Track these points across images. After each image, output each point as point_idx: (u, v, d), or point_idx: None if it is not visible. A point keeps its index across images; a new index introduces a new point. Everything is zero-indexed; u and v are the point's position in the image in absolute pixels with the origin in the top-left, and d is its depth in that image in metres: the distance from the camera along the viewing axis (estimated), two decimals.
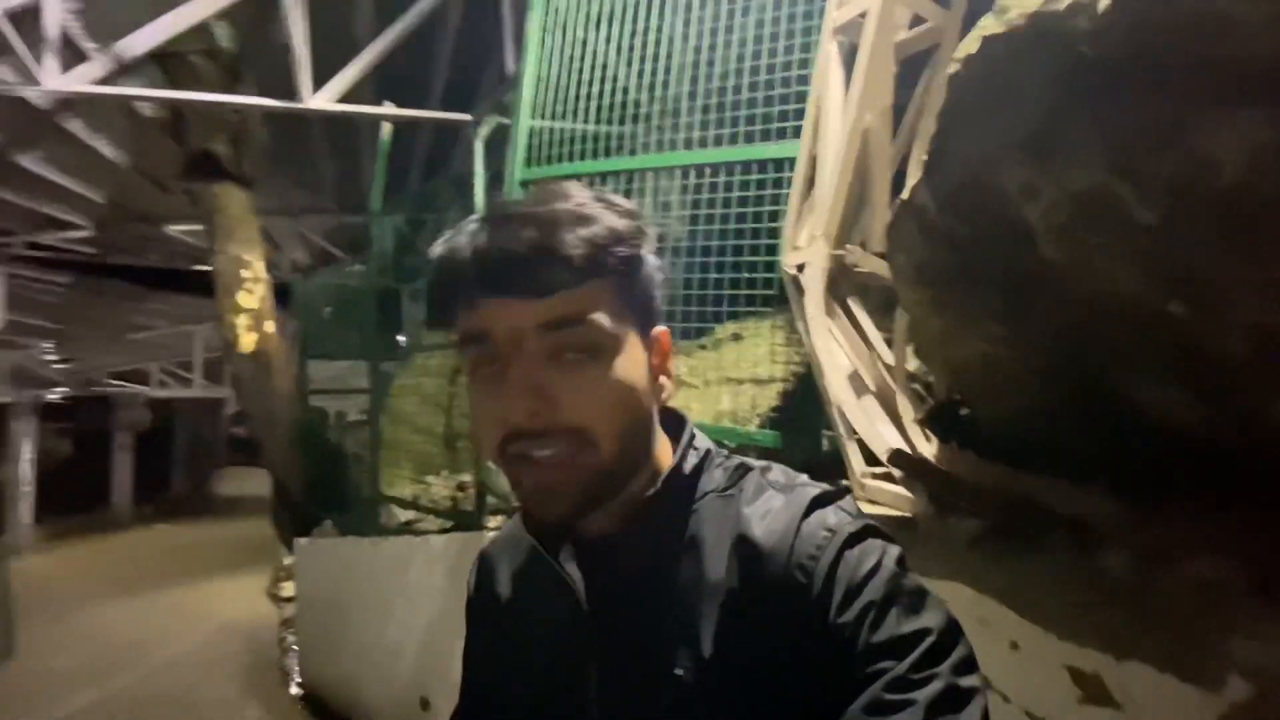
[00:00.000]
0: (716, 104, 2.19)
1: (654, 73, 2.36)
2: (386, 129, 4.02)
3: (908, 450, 1.32)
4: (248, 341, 4.92)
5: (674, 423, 0.56)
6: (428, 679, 3.29)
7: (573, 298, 0.47)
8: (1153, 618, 0.87)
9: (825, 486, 0.52)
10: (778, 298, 1.98)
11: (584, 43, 2.51)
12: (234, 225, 4.63)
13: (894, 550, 0.48)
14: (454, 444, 4.44)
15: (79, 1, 3.55)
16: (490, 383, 0.48)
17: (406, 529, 4.00)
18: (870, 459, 1.53)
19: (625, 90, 2.46)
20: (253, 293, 4.86)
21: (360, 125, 4.49)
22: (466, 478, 3.63)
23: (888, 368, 1.61)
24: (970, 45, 0.94)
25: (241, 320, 4.86)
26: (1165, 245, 0.81)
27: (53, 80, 3.38)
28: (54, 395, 9.67)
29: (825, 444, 1.92)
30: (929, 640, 0.43)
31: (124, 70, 3.66)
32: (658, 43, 2.35)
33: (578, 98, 2.54)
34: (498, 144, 3.07)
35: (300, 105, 3.76)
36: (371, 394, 4.51)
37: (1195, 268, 0.79)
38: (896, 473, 1.35)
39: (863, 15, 1.59)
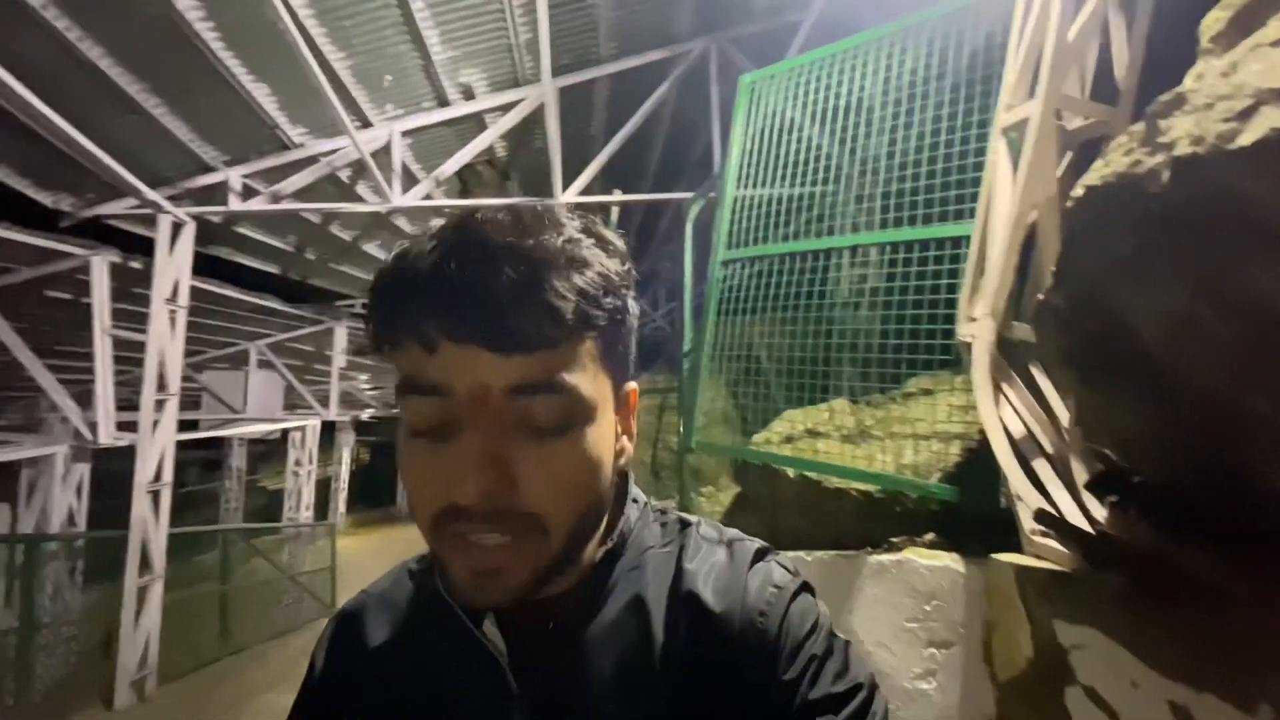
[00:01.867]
0: (897, 190, 2.47)
1: (846, 163, 2.73)
2: (615, 210, 4.87)
3: (1052, 511, 1.49)
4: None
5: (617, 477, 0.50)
6: None
7: (551, 357, 0.40)
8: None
9: (757, 541, 0.53)
10: (957, 361, 2.19)
11: (787, 129, 2.95)
12: None
13: (824, 607, 0.51)
14: (660, 473, 5.05)
15: (413, 138, 4.99)
16: (435, 446, 0.40)
17: None
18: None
19: (823, 179, 2.86)
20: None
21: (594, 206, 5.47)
22: (672, 503, 4.11)
23: (1065, 433, 1.75)
24: (1079, 189, 1.19)
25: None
26: (1243, 354, 0.99)
27: (397, 199, 4.81)
28: (365, 415, 12.60)
29: (1003, 501, 2.06)
30: (860, 696, 0.46)
31: (439, 184, 5.02)
32: (853, 137, 2.72)
33: (780, 178, 3.00)
34: (704, 226, 3.64)
35: (554, 201, 4.78)
36: None
37: (1269, 371, 0.97)
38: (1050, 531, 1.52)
39: (1025, 121, 1.81)
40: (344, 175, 5.00)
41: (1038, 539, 1.71)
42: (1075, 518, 1.56)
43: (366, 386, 11.95)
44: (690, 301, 3.78)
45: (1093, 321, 1.28)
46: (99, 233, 4.82)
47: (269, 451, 13.27)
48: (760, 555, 0.52)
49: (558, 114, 4.81)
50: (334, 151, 4.75)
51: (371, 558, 9.87)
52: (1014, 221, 1.76)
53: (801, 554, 2.49)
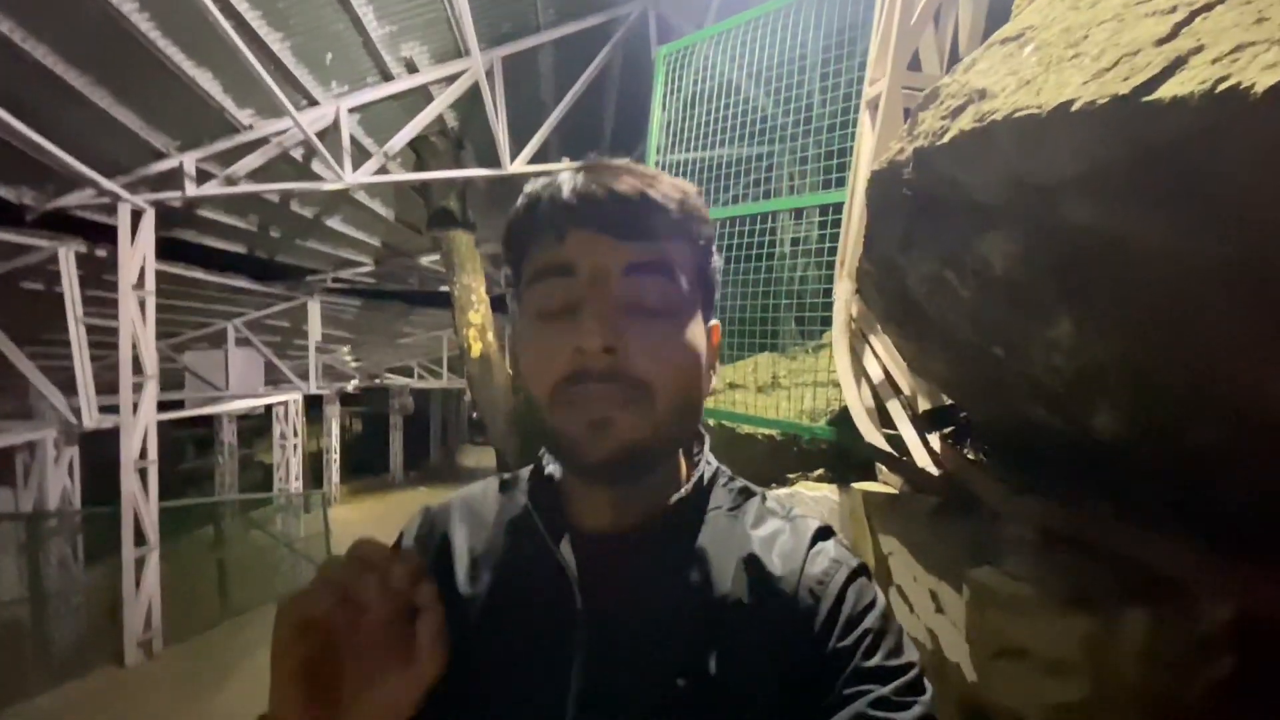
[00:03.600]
0: (797, 158, 2.65)
1: (752, 131, 2.89)
2: None
3: (880, 445, 1.76)
4: (476, 348, 6.36)
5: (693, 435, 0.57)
6: None
7: (661, 248, 0.47)
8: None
9: (819, 520, 0.56)
10: None
11: (701, 99, 3.09)
12: (464, 260, 6.03)
13: (879, 590, 0.53)
14: None
15: (360, 114, 5.06)
16: (561, 315, 0.47)
17: None
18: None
19: (734, 146, 3.02)
20: (479, 311, 6.27)
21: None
22: None
23: (914, 378, 2.00)
24: (869, 173, 1.40)
25: (471, 333, 6.28)
26: (981, 309, 1.23)
27: (349, 176, 4.91)
28: (350, 386, 12.84)
29: None
30: (912, 674, 0.48)
31: (390, 158, 5.11)
32: (755, 106, 2.87)
33: (695, 147, 3.16)
34: None
35: (503, 171, 4.90)
36: None
37: (1004, 326, 1.21)
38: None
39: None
40: (297, 154, 5.08)
41: (883, 469, 1.99)
42: (917, 449, 1.83)
43: (350, 359, 12.14)
44: None
45: (893, 284, 1.51)
46: (68, 224, 4.93)
47: (261, 426, 13.53)
48: (821, 534, 0.54)
49: (501, 84, 4.88)
50: (284, 131, 4.82)
51: (370, 524, 10.25)
52: (863, 189, 1.96)
53: None
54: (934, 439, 1.83)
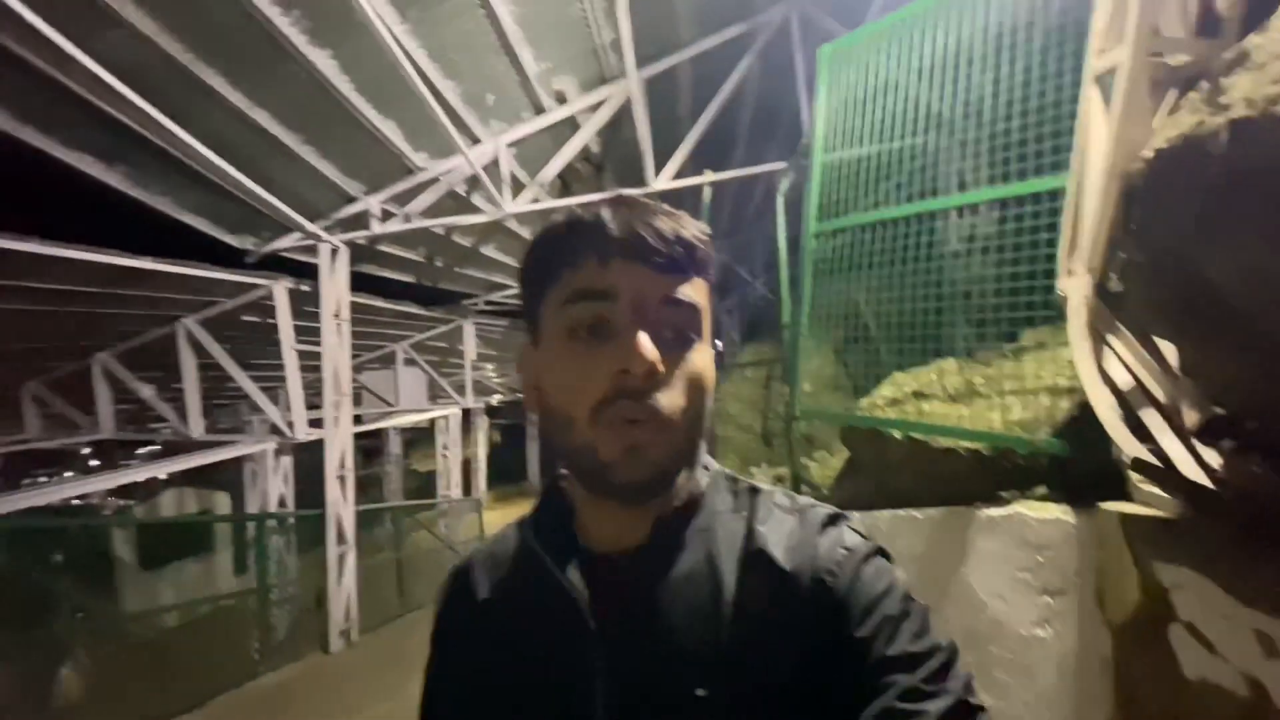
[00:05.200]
0: (991, 147, 2.44)
1: (936, 124, 2.72)
2: (707, 190, 5.01)
3: (1150, 460, 1.53)
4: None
5: None
6: None
7: (692, 284, 0.51)
8: None
9: (829, 507, 0.55)
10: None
11: (870, 98, 2.95)
12: None
13: (900, 572, 0.51)
14: (771, 441, 5.20)
15: (517, 148, 5.41)
16: (595, 344, 0.49)
17: None
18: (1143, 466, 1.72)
19: (912, 143, 2.85)
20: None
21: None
22: (784, 470, 4.26)
23: (1177, 382, 1.74)
24: (1148, 152, 1.23)
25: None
26: None
27: (507, 206, 5.26)
28: (494, 400, 13.75)
29: (1114, 452, 2.05)
30: (939, 658, 0.46)
31: (542, 187, 5.41)
32: (939, 97, 2.69)
33: (867, 147, 3.02)
34: (797, 195, 3.71)
35: (647, 190, 5.01)
36: None
37: None
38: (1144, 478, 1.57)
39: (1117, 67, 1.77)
40: (460, 189, 5.54)
41: (1143, 487, 1.74)
42: (1187, 465, 1.58)
43: (494, 376, 13.03)
44: (786, 273, 3.88)
45: (1176, 276, 1.31)
46: (279, 265, 5.75)
47: (417, 438, 14.85)
48: (832, 520, 0.54)
49: (645, 106, 5.00)
50: (450, 170, 5.28)
51: None
52: (1109, 171, 1.74)
53: (913, 511, 2.59)
54: (1212, 453, 1.58)
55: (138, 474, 5.62)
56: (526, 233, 7.21)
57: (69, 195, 4.16)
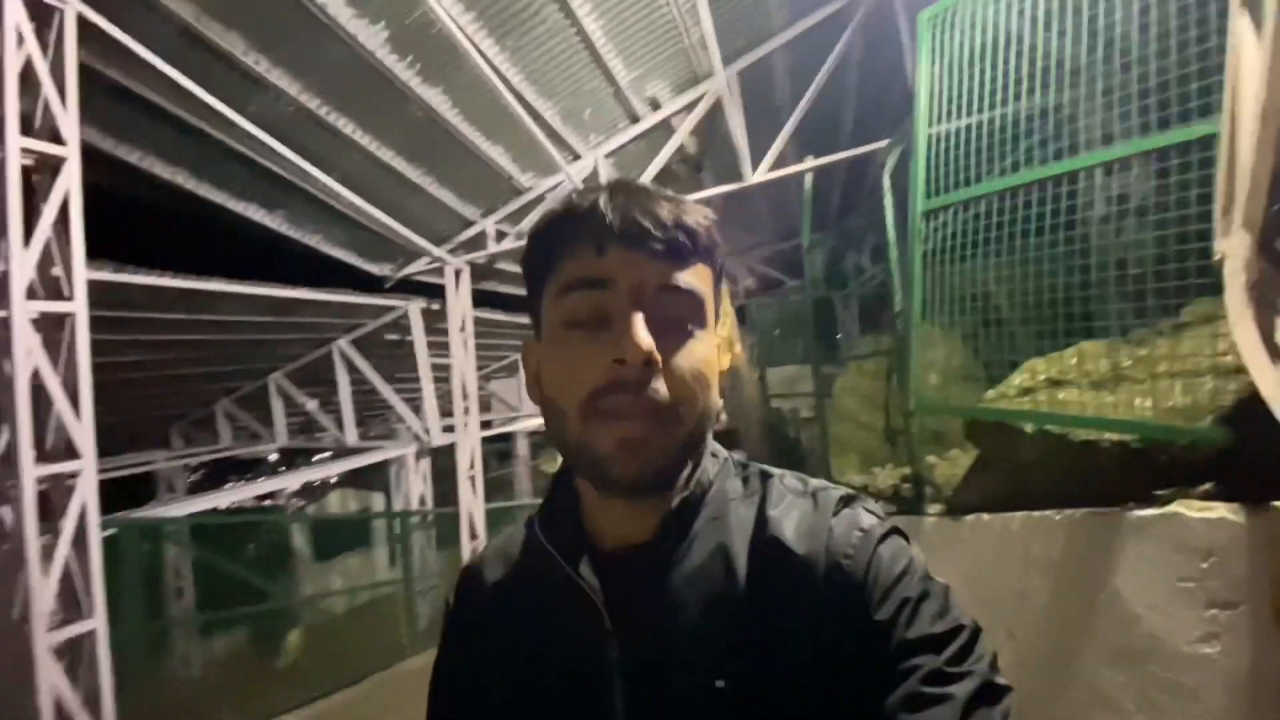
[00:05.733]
0: (1123, 95, 2.13)
1: (1056, 79, 2.43)
2: (808, 178, 4.84)
3: None
4: (724, 360, 6.50)
5: None
6: None
7: (692, 270, 0.49)
8: None
9: (842, 488, 0.53)
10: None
11: (980, 58, 2.70)
12: None
13: (918, 551, 0.50)
14: (895, 439, 4.90)
15: (614, 158, 5.54)
16: (591, 334, 0.47)
17: None
18: None
19: (1031, 102, 2.58)
20: (725, 324, 6.41)
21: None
22: (908, 470, 4.01)
23: None
24: (1257, 91, 1.02)
25: (720, 345, 6.46)
26: None
27: None
28: None
29: None
30: (962, 638, 0.45)
31: None
32: (1059, 49, 2.40)
33: (978, 113, 2.77)
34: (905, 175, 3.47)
35: (746, 183, 4.94)
36: (815, 395, 5.39)
37: None
38: None
39: None
40: None
41: None
42: None
43: None
44: (897, 259, 3.65)
45: None
46: (411, 287, 6.37)
47: (542, 442, 15.64)
48: (846, 501, 0.52)
49: (739, 100, 4.93)
50: (556, 186, 5.54)
51: None
52: (1265, 111, 1.46)
53: (1050, 513, 2.35)
54: None
55: (299, 478, 6.46)
56: None
57: (242, 239, 4.91)
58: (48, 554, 2.49)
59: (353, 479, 9.23)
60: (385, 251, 5.77)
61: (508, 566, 0.59)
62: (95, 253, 3.43)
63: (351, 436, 6.97)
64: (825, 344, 5.98)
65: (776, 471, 0.57)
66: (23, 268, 2.57)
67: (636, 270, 0.47)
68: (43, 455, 2.59)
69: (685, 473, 0.52)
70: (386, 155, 4.65)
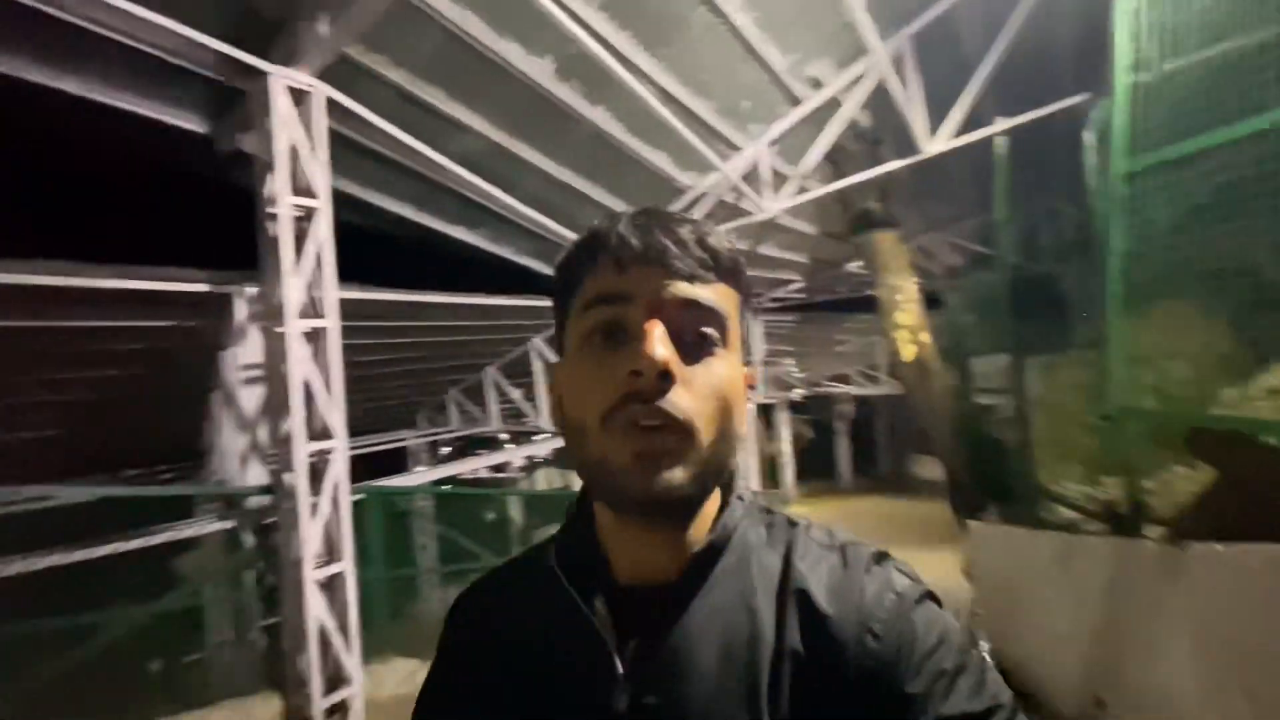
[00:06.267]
0: None
1: None
2: (999, 144, 4.26)
3: None
4: (908, 351, 5.97)
5: None
6: (1101, 679, 3.27)
7: (712, 290, 0.48)
8: None
9: (872, 545, 0.50)
10: None
11: None
12: (888, 260, 5.78)
13: (953, 619, 0.47)
14: (1108, 445, 4.11)
15: (778, 145, 5.42)
16: (616, 342, 0.47)
17: (1068, 525, 3.95)
18: None
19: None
20: (908, 311, 5.89)
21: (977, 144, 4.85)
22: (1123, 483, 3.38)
23: None
24: None
25: (902, 335, 5.94)
26: None
27: (770, 204, 5.32)
28: (795, 395, 13.75)
29: None
30: (1000, 717, 0.42)
31: (806, 177, 5.32)
32: None
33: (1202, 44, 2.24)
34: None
35: (921, 156, 4.50)
36: (1014, 389, 4.71)
37: None
38: None
39: None
40: (729, 197, 5.82)
41: None
42: None
43: (794, 370, 13.07)
44: (1104, 230, 3.06)
45: None
46: None
47: None
48: (877, 560, 0.50)
49: (912, 64, 4.50)
50: (717, 181, 5.60)
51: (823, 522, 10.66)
52: None
53: None
54: None
55: (496, 458, 7.44)
56: (803, 225, 7.13)
57: (454, 257, 5.84)
58: (314, 510, 3.27)
59: (554, 458, 10.24)
60: (553, 255, 6.36)
61: (514, 593, 0.57)
62: (347, 276, 4.41)
63: (545, 421, 7.84)
64: (1035, 329, 5.18)
65: (801, 520, 0.55)
66: (294, 294, 3.39)
67: (656, 285, 0.47)
68: (312, 435, 3.41)
69: (710, 511, 0.51)
70: (564, 174, 5.14)
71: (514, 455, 8.47)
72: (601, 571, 0.51)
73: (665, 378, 0.45)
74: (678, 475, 0.45)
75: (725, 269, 0.50)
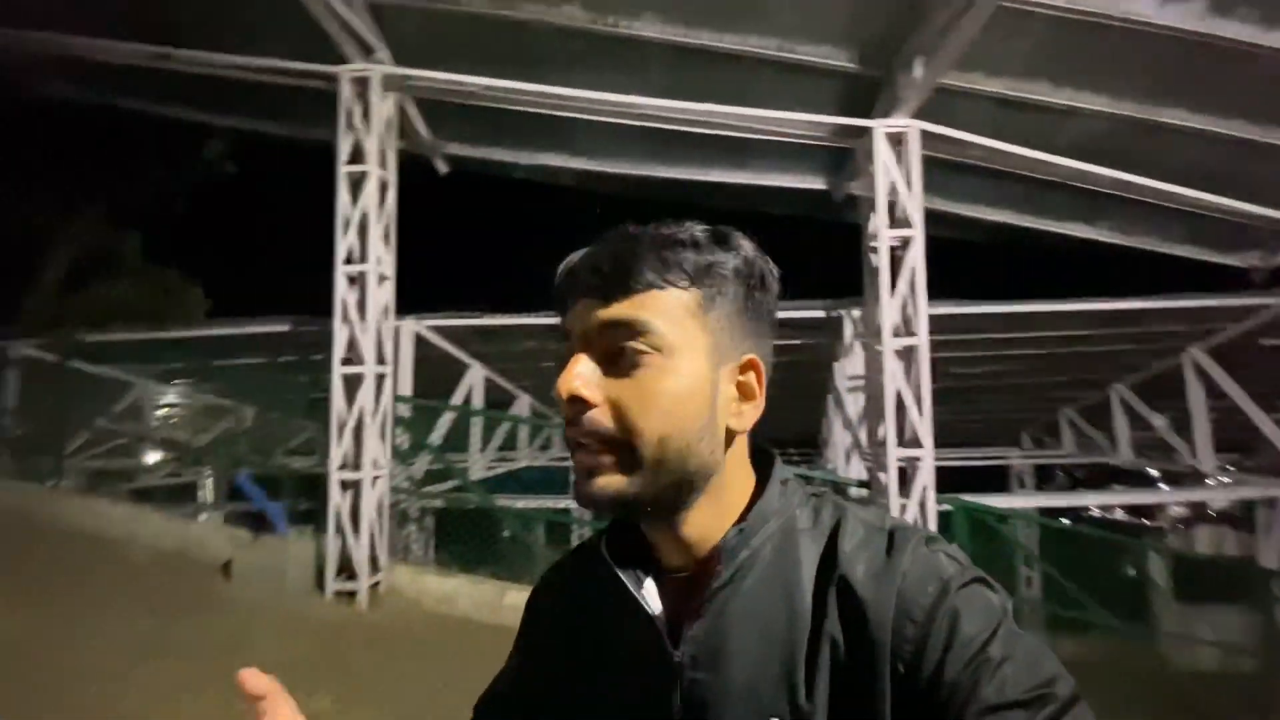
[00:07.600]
0: None
1: None
2: None
3: None
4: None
5: (763, 459, 0.54)
6: None
7: (635, 303, 0.47)
8: None
9: (922, 528, 0.50)
10: None
11: None
12: None
13: (1005, 602, 0.45)
14: None
15: None
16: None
17: None
18: None
19: None
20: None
21: None
22: None
23: None
24: None
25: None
26: None
27: None
28: None
29: None
30: (1054, 706, 0.40)
31: None
32: None
33: None
34: None
35: None
36: None
37: None
38: None
39: None
40: None
41: None
42: None
43: None
44: None
45: None
46: None
47: None
48: (925, 542, 0.48)
49: None
50: None
51: None
52: None
53: None
54: None
55: (1151, 498, 5.92)
56: None
57: (1074, 257, 5.16)
58: (903, 511, 3.62)
59: (1231, 518, 7.74)
60: (1241, 239, 4.64)
61: (573, 578, 0.61)
62: (947, 292, 4.57)
63: (1206, 462, 5.79)
64: None
65: (851, 502, 0.54)
66: (889, 315, 3.83)
67: (584, 315, 0.49)
68: (901, 442, 3.78)
69: (738, 500, 0.52)
70: (1220, 128, 3.86)
71: (1169, 498, 6.79)
72: (650, 556, 0.54)
73: (575, 403, 0.48)
74: (614, 483, 0.48)
75: (655, 273, 0.47)
